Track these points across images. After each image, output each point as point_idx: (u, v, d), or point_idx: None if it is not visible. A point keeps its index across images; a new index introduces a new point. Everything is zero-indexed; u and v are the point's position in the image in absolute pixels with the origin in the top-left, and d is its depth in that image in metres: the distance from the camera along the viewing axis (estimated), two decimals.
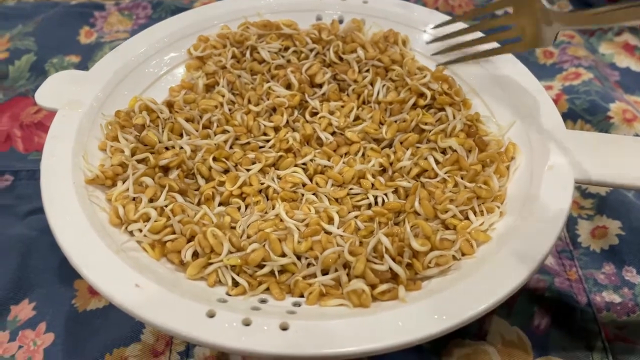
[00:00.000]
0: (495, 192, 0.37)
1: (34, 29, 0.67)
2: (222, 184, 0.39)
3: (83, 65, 0.64)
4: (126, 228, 0.35)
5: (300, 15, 0.50)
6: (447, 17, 0.49)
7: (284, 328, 0.29)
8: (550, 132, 0.38)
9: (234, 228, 0.37)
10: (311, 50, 0.48)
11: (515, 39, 0.42)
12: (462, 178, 0.38)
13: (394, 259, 0.33)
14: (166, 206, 0.36)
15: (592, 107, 0.53)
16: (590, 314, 0.41)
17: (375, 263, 0.33)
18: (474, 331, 0.39)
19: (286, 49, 0.48)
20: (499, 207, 0.36)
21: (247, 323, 0.29)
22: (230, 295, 0.33)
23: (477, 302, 0.30)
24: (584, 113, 0.54)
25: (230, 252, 0.34)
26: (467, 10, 0.69)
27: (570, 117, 0.54)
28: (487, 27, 0.45)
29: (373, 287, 0.32)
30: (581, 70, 0.58)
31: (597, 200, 0.48)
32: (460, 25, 0.47)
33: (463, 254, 0.34)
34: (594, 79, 0.56)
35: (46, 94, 0.41)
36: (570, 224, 0.47)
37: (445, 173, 0.39)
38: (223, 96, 0.44)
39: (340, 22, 0.51)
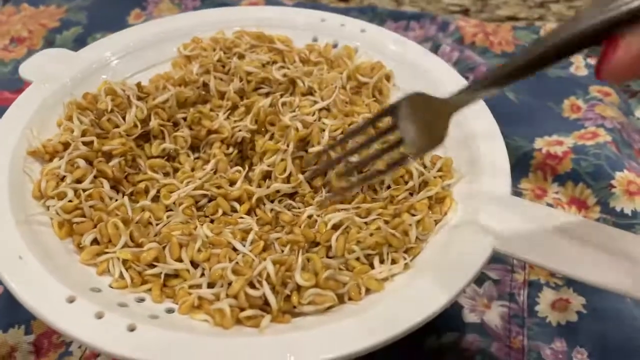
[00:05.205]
0: (408, 243, 0.35)
1: (89, 4, 0.72)
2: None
3: None
4: (44, 203, 0.37)
5: (298, 33, 0.51)
6: (442, 62, 0.47)
7: (132, 329, 0.29)
8: (492, 194, 0.36)
9: (151, 224, 0.38)
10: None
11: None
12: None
13: (274, 287, 0.32)
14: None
15: (597, 172, 0.49)
16: None
17: (254, 288, 0.32)
18: None
19: (274, 62, 0.48)
20: (405, 259, 0.35)
21: (99, 316, 0.30)
22: (111, 287, 0.34)
23: (329, 349, 0.28)
24: (587, 177, 0.50)
25: (127, 246, 0.35)
26: (506, 47, 0.66)
27: (573, 178, 0.50)
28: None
29: (243, 310, 0.32)
30: (601, 131, 0.53)
31: None
32: None
33: (350, 299, 0.33)
34: (610, 143, 0.52)
35: (30, 67, 0.44)
36: (534, 290, 0.44)
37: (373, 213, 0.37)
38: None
39: (335, 46, 0.50)
